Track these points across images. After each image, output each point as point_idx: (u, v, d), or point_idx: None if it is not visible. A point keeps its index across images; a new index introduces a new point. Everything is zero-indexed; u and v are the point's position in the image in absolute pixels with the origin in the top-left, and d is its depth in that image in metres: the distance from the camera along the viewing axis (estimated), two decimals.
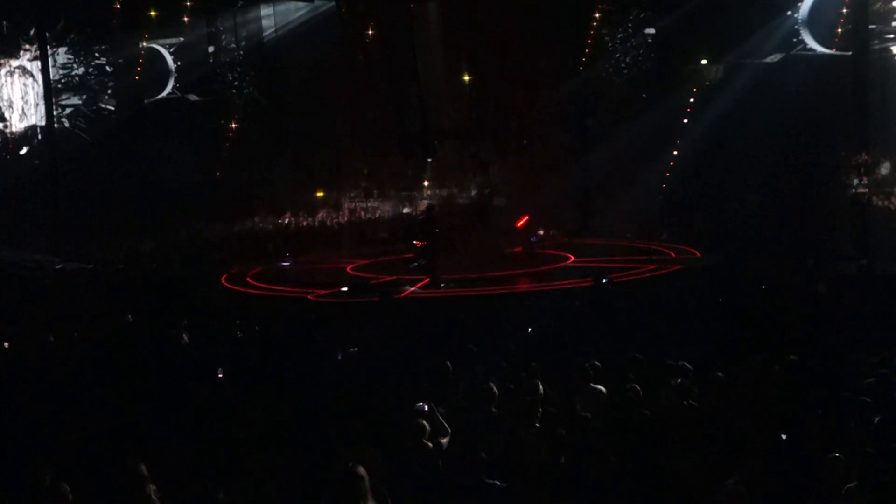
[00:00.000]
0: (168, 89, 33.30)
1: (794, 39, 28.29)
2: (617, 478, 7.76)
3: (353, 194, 32.44)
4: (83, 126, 31.94)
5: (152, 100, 32.81)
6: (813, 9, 28.37)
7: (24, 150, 31.45)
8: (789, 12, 28.42)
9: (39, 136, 31.66)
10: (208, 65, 32.84)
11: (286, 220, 29.98)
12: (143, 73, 32.64)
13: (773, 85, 27.28)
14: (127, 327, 16.80)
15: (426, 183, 31.80)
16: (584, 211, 30.53)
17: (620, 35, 30.40)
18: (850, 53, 26.84)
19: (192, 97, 32.79)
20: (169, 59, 33.48)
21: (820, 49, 27.97)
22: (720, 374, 10.50)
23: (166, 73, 33.37)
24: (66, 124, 31.94)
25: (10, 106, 31.51)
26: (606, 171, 29.36)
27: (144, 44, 32.84)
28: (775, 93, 26.75)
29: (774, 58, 28.41)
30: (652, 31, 30.00)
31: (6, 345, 14.94)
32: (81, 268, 26.16)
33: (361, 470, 6.93)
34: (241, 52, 32.85)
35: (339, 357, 13.26)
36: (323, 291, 22.06)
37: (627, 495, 7.61)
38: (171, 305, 19.75)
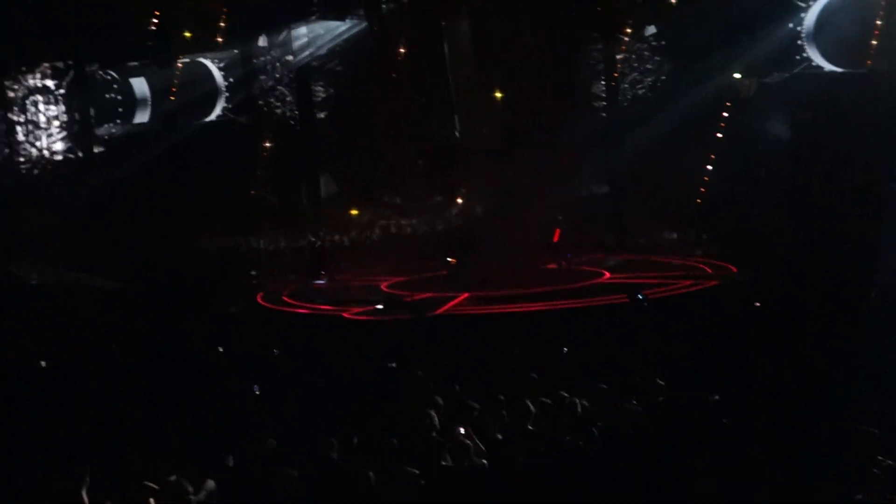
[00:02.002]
0: (218, 110, 33.10)
1: (798, 57, 27.77)
2: (650, 494, 7.70)
3: (386, 211, 32.50)
4: (117, 148, 32.04)
5: (201, 122, 32.59)
6: (820, 21, 27.48)
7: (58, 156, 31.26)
8: (791, 24, 27.83)
9: (61, 157, 31.68)
10: (246, 85, 32.92)
11: (320, 238, 30.06)
12: (189, 91, 32.46)
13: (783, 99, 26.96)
14: (160, 342, 16.93)
15: (459, 200, 31.80)
16: (618, 225, 30.38)
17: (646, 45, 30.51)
18: (862, 71, 26.31)
19: (242, 119, 32.75)
20: (218, 76, 33.25)
21: (829, 66, 27.34)
22: (758, 392, 10.39)
23: (214, 91, 33.09)
24: (101, 148, 32.02)
25: (36, 128, 31.50)
26: (637, 185, 29.30)
27: (181, 61, 32.37)
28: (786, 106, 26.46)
29: (776, 77, 27.86)
30: (653, 29, 29.92)
31: (43, 364, 15.08)
32: (116, 285, 26.34)
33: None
34: (276, 72, 33.06)
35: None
36: (358, 309, 22.10)
37: None
38: (206, 323, 19.88)
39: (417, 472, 8.29)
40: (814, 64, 28.14)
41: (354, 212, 32.13)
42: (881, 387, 10.41)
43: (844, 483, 7.38)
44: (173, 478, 7.76)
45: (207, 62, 33.19)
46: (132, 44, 31.73)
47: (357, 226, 31.88)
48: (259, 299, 24.69)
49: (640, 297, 20.00)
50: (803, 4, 27.98)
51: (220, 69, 33.15)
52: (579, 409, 9.91)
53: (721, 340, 14.20)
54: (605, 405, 10.41)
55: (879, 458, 7.73)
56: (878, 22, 26.64)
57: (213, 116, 33.27)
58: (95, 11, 29.45)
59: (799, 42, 28.05)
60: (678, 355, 12.87)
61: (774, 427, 9.05)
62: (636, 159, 29.09)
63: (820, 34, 27.53)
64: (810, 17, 27.73)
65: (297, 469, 8.19)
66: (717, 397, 10.22)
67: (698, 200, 29.16)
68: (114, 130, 32.37)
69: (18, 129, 31.29)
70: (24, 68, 31.16)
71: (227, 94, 33.21)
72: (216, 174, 31.03)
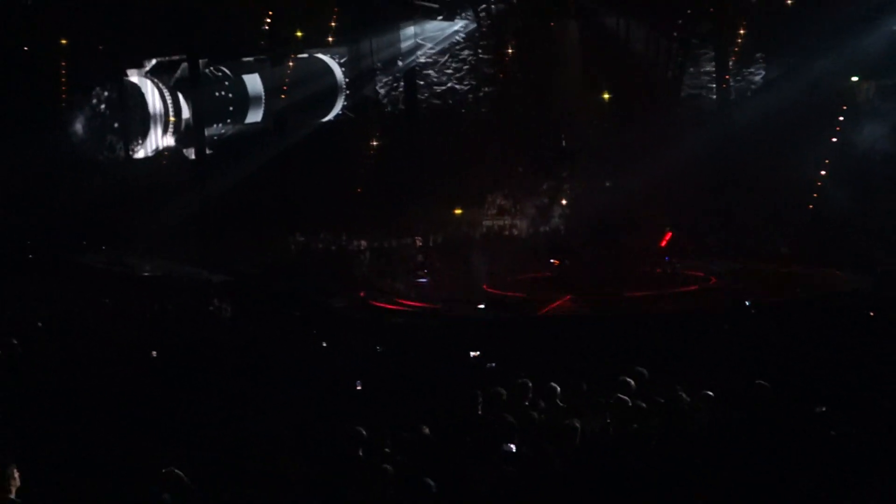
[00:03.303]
0: (337, 109, 32.95)
1: None
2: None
3: (491, 211, 32.49)
4: (230, 148, 32.30)
5: (320, 121, 32.46)
6: None
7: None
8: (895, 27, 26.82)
9: (174, 154, 32.02)
10: (360, 83, 32.86)
11: (423, 237, 30.17)
12: (307, 88, 32.20)
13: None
14: (267, 336, 17.24)
15: (564, 201, 31.60)
16: (727, 229, 29.77)
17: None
18: None
19: (353, 115, 32.59)
20: (338, 72, 32.93)
21: None
22: (867, 405, 10.08)
23: (333, 88, 32.70)
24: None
25: (146, 125, 31.66)
26: (747, 188, 28.73)
27: (298, 56, 31.78)
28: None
29: (871, 90, 26.88)
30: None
31: (154, 353, 15.46)
32: (225, 278, 26.85)
33: None
34: (385, 72, 33.25)
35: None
36: (460, 308, 22.13)
37: None
38: (311, 317, 20.17)
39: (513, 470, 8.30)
40: None
41: (458, 211, 32.17)
42: None
43: None
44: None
45: (326, 58, 32.98)
46: (245, 39, 31.95)
47: (461, 225, 31.93)
48: (363, 296, 24.90)
49: (747, 303, 19.61)
50: None
51: (340, 65, 32.84)
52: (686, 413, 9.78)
53: (830, 350, 13.84)
54: (709, 411, 10.25)
55: None
56: None
57: (331, 115, 33.17)
58: (208, 6, 29.89)
59: None
60: (784, 364, 12.58)
61: (883, 443, 8.79)
62: (747, 163, 28.58)
63: None
64: None
65: (392, 463, 8.25)
66: (823, 409, 9.96)
67: (810, 206, 28.43)
68: (223, 130, 32.62)
69: (131, 125, 31.81)
70: (136, 65, 31.73)
71: (347, 92, 32.99)
72: (323, 171, 31.35)
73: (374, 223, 31.21)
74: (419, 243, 29.43)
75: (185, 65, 31.74)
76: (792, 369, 12.09)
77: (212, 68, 32.33)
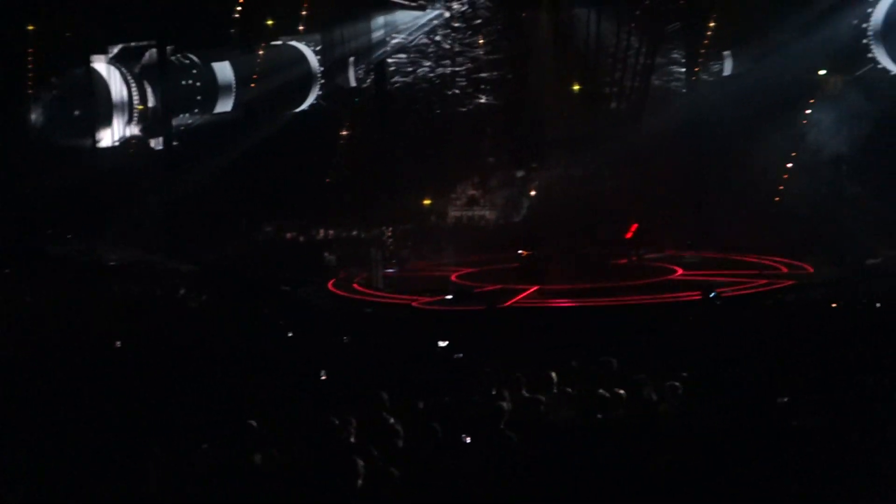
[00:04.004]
0: (311, 98, 32.81)
1: (868, 55, 26.54)
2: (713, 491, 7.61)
3: (460, 202, 32.48)
4: (200, 138, 31.87)
5: (293, 111, 32.34)
6: (889, 20, 26.05)
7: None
8: (855, 21, 26.54)
9: (141, 143, 31.59)
10: (331, 72, 32.64)
11: (390, 228, 30.12)
12: (280, 76, 31.81)
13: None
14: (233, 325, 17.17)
15: (533, 192, 31.64)
16: (697, 221, 29.92)
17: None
18: None
19: (322, 103, 32.31)
20: (313, 60, 32.56)
21: None
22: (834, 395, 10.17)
23: (308, 77, 32.45)
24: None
25: (113, 114, 31.05)
26: (717, 180, 28.88)
27: (271, 44, 31.43)
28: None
29: (838, 84, 26.79)
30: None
31: (118, 344, 15.34)
32: (192, 267, 26.71)
33: None
34: (355, 61, 33.07)
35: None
36: (427, 299, 22.14)
37: None
38: (279, 306, 20.11)
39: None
40: (879, 66, 27.04)
41: (427, 201, 32.14)
42: None
43: None
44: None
45: (301, 45, 32.67)
46: (215, 25, 31.40)
47: (429, 215, 31.92)
48: (330, 286, 24.87)
49: (713, 294, 19.74)
50: None
51: (315, 52, 32.54)
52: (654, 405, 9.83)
53: (793, 341, 13.95)
54: (675, 403, 10.30)
55: None
56: None
57: (305, 105, 32.91)
58: None
59: (865, 41, 26.96)
60: (748, 355, 12.66)
61: (843, 434, 8.87)
62: (716, 155, 28.74)
63: (889, 34, 26.27)
64: (878, 15, 26.52)
65: (359, 454, 8.24)
66: (785, 399, 10.04)
67: (777, 199, 28.64)
68: (191, 120, 32.15)
69: (95, 114, 31.22)
70: (102, 51, 31.13)
71: (322, 81, 32.78)
72: (293, 161, 31.13)
73: (343, 213, 31.16)
74: (388, 234, 29.39)
75: (152, 51, 31.24)
76: (755, 360, 12.17)
77: (180, 55, 31.78)
